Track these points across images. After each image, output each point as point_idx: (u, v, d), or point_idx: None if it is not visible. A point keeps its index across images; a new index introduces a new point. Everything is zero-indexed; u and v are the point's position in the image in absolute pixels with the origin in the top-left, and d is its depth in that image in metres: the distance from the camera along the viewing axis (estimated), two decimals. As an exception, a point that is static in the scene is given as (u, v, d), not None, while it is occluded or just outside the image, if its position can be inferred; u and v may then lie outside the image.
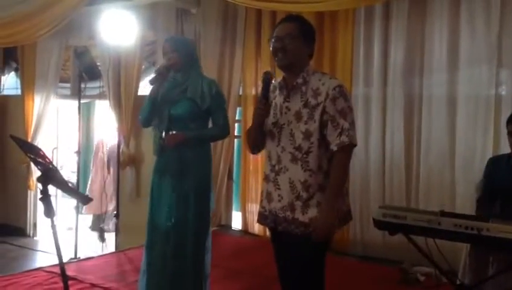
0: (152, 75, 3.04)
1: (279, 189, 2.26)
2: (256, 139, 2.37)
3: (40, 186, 2.41)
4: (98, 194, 6.09)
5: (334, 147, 2.17)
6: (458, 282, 2.93)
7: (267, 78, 2.29)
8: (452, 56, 4.01)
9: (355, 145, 2.21)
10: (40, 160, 2.51)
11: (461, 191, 3.91)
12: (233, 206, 5.51)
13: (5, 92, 7.12)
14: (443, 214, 2.60)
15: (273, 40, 2.28)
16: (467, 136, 3.95)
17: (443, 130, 4.05)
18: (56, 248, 2.42)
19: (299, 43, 2.25)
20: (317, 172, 2.20)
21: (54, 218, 2.40)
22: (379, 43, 4.30)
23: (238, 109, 5.20)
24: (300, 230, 2.20)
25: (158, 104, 2.97)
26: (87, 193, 6.98)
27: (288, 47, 2.24)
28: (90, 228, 7.16)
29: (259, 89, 4.92)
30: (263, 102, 2.26)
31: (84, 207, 6.90)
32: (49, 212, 2.38)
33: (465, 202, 3.78)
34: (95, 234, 6.59)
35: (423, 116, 4.15)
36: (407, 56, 4.20)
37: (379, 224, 2.74)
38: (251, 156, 5.00)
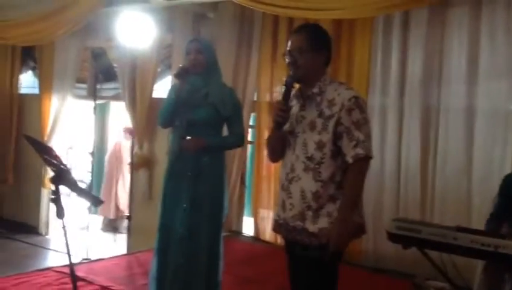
0: (176, 70, 2.99)
1: (291, 198, 2.24)
2: (275, 147, 2.36)
3: (52, 186, 2.42)
4: (112, 196, 6.13)
5: (349, 159, 2.14)
6: (472, 299, 2.87)
7: (290, 83, 2.27)
8: (471, 67, 3.94)
9: (371, 158, 2.17)
10: (52, 160, 2.52)
11: (478, 205, 3.83)
12: (245, 212, 5.49)
13: (23, 91, 7.18)
14: (459, 229, 2.53)
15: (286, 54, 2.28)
16: (485, 149, 3.87)
17: (460, 143, 3.97)
18: (66, 249, 2.43)
19: (310, 56, 2.24)
20: (329, 183, 2.17)
21: (65, 219, 2.41)
22: (397, 53, 4.25)
23: (252, 115, 5.17)
24: (309, 240, 2.18)
25: (179, 105, 2.94)
26: (100, 194, 7.03)
27: (299, 61, 2.24)
28: (101, 229, 7.20)
29: (275, 95, 4.95)
30: (282, 105, 2.23)
31: (98, 209, 6.96)
32: (61, 213, 2.39)
33: (482, 216, 3.67)
34: (107, 235, 6.63)
35: (440, 127, 4.08)
36: (425, 66, 4.14)
37: (393, 237, 2.69)
38: (264, 161, 4.97)
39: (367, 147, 2.14)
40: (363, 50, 4.40)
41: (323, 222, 2.16)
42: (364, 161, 2.15)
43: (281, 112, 2.23)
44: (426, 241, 2.56)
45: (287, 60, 2.28)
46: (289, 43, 2.30)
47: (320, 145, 2.18)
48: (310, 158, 2.19)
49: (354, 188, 2.16)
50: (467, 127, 3.96)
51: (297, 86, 2.35)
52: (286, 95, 2.26)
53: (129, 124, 5.89)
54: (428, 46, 4.13)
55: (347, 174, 2.16)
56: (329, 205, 2.16)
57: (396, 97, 4.26)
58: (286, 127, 2.31)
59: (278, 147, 2.34)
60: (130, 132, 7.34)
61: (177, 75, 2.91)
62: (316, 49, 2.24)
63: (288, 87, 2.27)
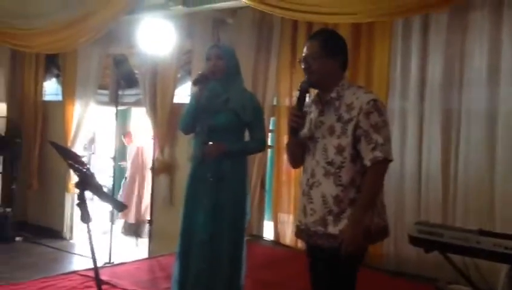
0: (195, 77, 3.02)
1: (312, 203, 2.26)
2: (294, 154, 2.38)
3: (77, 191, 2.47)
4: (134, 200, 6.20)
5: (367, 162, 2.14)
6: (496, 303, 2.84)
7: (304, 89, 2.29)
8: (492, 70, 3.90)
9: (390, 161, 2.17)
10: (77, 166, 2.56)
11: (500, 208, 3.79)
12: (265, 216, 5.50)
13: (47, 98, 7.33)
14: (482, 232, 2.53)
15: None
16: (507, 152, 3.82)
17: (482, 146, 3.93)
18: (91, 253, 2.47)
19: (323, 61, 2.25)
20: (349, 187, 2.18)
21: (90, 223, 2.45)
22: (416, 56, 4.23)
23: (271, 119, 5.20)
24: (329, 243, 2.19)
25: (200, 111, 2.97)
26: (121, 199, 7.13)
27: (312, 67, 2.27)
28: (122, 233, 7.29)
29: (293, 99, 4.96)
30: (297, 110, 2.25)
31: (119, 213, 7.05)
32: (86, 217, 2.43)
33: (505, 219, 3.66)
34: (129, 239, 6.71)
35: (461, 131, 4.04)
36: (445, 70, 4.11)
37: (414, 241, 2.69)
38: (284, 166, 4.99)
39: (385, 150, 2.14)
40: (383, 54, 4.39)
41: (343, 224, 2.17)
42: (382, 163, 2.15)
43: (295, 117, 2.25)
44: (448, 245, 2.56)
45: (302, 66, 2.31)
46: (304, 49, 2.32)
47: (340, 150, 2.19)
48: (330, 163, 2.20)
49: (370, 190, 2.16)
50: (489, 130, 3.92)
51: (314, 91, 2.37)
52: (301, 101, 2.28)
53: (150, 129, 5.96)
54: (449, 49, 4.10)
55: (365, 177, 2.16)
56: (350, 209, 2.17)
57: (416, 101, 4.23)
58: (305, 132, 2.32)
59: (297, 153, 2.36)
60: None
61: (196, 82, 2.95)
62: (329, 55, 2.26)
63: (303, 92, 2.29)
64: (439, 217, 4.04)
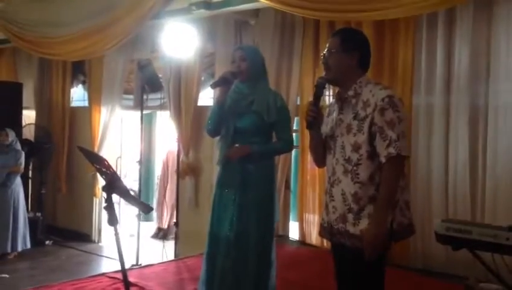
0: (223, 74, 3.00)
1: (333, 201, 2.26)
2: (316, 152, 2.38)
3: (104, 195, 2.51)
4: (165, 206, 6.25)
5: (382, 159, 2.13)
6: (528, 301, 2.77)
7: (321, 84, 2.30)
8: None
9: (405, 157, 2.15)
10: (104, 170, 2.61)
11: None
12: (291, 216, 5.50)
13: (74, 104, 7.47)
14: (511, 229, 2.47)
15: None
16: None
17: (510, 141, 3.85)
18: (119, 255, 2.50)
19: (340, 58, 2.25)
20: (368, 184, 2.16)
21: (117, 226, 2.49)
22: (442, 49, 4.17)
23: (295, 119, 5.19)
24: (351, 242, 2.18)
25: (225, 114, 2.97)
26: (153, 203, 7.20)
27: (329, 63, 2.27)
28: (152, 237, 7.36)
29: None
30: (313, 105, 2.27)
31: (152, 217, 7.12)
32: (113, 220, 2.46)
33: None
34: (156, 242, 6.78)
35: (489, 125, 3.96)
36: (472, 62, 4.04)
37: (442, 238, 2.64)
38: (308, 166, 4.97)
39: (400, 146, 2.11)
40: (407, 49, 4.34)
41: (364, 223, 2.16)
42: (397, 160, 2.12)
43: (311, 111, 2.26)
44: (477, 242, 2.51)
45: (321, 62, 2.33)
46: (327, 45, 2.34)
47: (356, 147, 2.18)
48: (347, 160, 2.20)
49: (388, 188, 2.13)
50: (517, 124, 3.84)
51: (335, 89, 2.36)
52: (317, 96, 2.29)
53: (174, 133, 6.01)
54: (475, 43, 4.03)
55: (382, 175, 2.15)
56: (369, 207, 2.15)
57: (442, 95, 4.18)
58: (327, 131, 2.33)
59: (319, 151, 2.37)
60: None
61: (215, 84, 2.96)
62: (345, 50, 2.25)
63: (319, 88, 2.29)
64: (467, 214, 3.98)
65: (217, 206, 3.04)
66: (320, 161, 2.41)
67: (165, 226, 7.33)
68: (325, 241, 4.43)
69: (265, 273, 2.97)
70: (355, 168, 2.18)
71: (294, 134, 5.26)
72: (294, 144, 5.31)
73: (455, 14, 4.13)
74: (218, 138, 3.12)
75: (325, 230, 2.33)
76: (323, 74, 2.35)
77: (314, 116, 2.26)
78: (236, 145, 2.94)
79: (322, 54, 2.32)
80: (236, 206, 2.94)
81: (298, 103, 5.10)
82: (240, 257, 2.91)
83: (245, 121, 2.94)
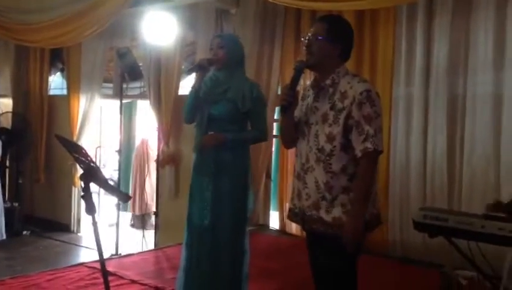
0: (198, 62, 3.01)
1: (307, 187, 2.26)
2: (286, 133, 2.38)
3: (82, 183, 2.48)
4: (139, 193, 6.23)
5: (358, 153, 2.14)
6: (502, 288, 2.83)
7: (299, 68, 2.28)
8: (498, 54, 3.87)
9: (380, 152, 2.16)
10: (82, 158, 2.57)
11: (506, 195, 3.76)
12: (271, 206, 5.51)
13: (52, 92, 7.35)
14: (487, 217, 2.52)
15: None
16: (513, 136, 3.81)
17: (487, 131, 3.91)
18: (97, 244, 2.48)
19: (325, 44, 2.23)
20: (340, 175, 2.18)
21: (95, 215, 2.46)
22: (421, 41, 4.20)
23: (276, 109, 5.19)
24: (324, 228, 2.20)
25: (200, 101, 2.97)
26: (130, 192, 7.16)
27: (313, 47, 2.24)
28: (131, 226, 7.33)
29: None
30: (289, 89, 2.24)
31: (127, 206, 7.09)
32: (91, 209, 2.43)
33: (511, 205, 3.64)
34: (136, 231, 6.75)
35: (467, 116, 4.02)
36: (450, 54, 4.09)
37: (419, 226, 2.68)
38: (289, 156, 4.98)
39: (376, 142, 2.13)
40: (387, 40, 4.37)
41: (337, 212, 2.18)
42: (373, 154, 2.14)
43: (286, 95, 2.24)
44: (453, 229, 2.55)
45: (304, 46, 2.29)
46: (311, 28, 2.31)
47: (330, 138, 2.18)
48: (320, 150, 2.21)
49: (365, 182, 2.15)
50: (494, 115, 3.90)
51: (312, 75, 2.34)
52: (294, 80, 2.26)
53: (155, 122, 5.97)
54: (454, 34, 4.08)
55: (358, 169, 2.16)
56: (342, 197, 2.18)
57: (421, 87, 4.22)
58: (301, 116, 2.32)
59: (290, 134, 2.36)
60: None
61: (191, 70, 2.94)
62: (331, 40, 2.23)
63: (298, 72, 2.27)
64: (444, 203, 4.04)
65: (193, 193, 3.05)
66: (289, 144, 2.41)
67: (140, 212, 7.30)
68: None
69: (239, 261, 3.00)
70: (327, 158, 2.18)
71: (275, 124, 5.28)
72: (276, 133, 5.38)
73: (435, 5, 4.16)
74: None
75: (297, 215, 2.34)
76: (303, 58, 2.32)
77: (290, 100, 2.24)
78: (211, 132, 2.94)
79: (305, 38, 2.28)
80: (210, 193, 2.95)
81: (279, 92, 5.10)
82: (214, 245, 2.92)
83: (219, 108, 2.94)
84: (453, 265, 3.60)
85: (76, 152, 2.67)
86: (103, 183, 2.66)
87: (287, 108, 2.27)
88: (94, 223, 2.48)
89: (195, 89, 2.96)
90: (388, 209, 4.31)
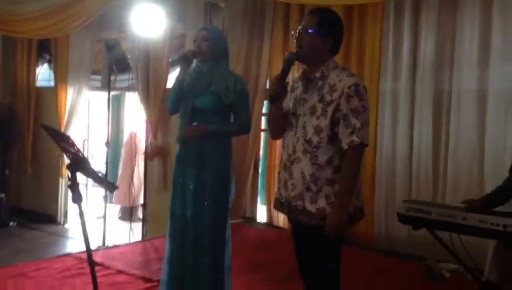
0: (182, 53, 3.03)
1: (292, 178, 2.29)
2: (274, 123, 2.40)
3: (68, 173, 2.48)
4: (127, 185, 6.22)
5: (344, 146, 2.17)
6: (484, 279, 2.89)
7: (289, 60, 2.30)
8: (483, 50, 3.93)
9: (366, 145, 2.20)
10: (69, 148, 2.57)
11: (490, 189, 3.81)
12: (259, 200, 5.54)
13: (39, 84, 7.30)
14: (468, 209, 2.57)
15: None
16: (497, 132, 3.87)
17: (472, 126, 3.97)
18: (83, 234, 2.48)
19: (315, 39, 2.25)
20: (326, 167, 2.21)
21: (82, 204, 2.47)
22: (408, 37, 4.25)
23: (265, 103, 5.21)
24: (308, 219, 2.24)
25: (183, 92, 2.99)
26: (117, 183, 7.12)
27: (303, 40, 2.26)
28: (119, 218, 7.31)
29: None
30: (278, 79, 2.26)
31: (113, 198, 7.07)
32: (77, 198, 2.44)
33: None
34: (123, 223, 6.74)
35: (452, 111, 4.08)
36: (437, 50, 4.13)
37: (403, 218, 2.73)
38: (277, 149, 5.01)
39: (362, 135, 2.16)
40: (374, 35, 4.41)
41: (321, 202, 2.21)
42: (359, 148, 2.18)
43: (276, 86, 2.26)
44: (436, 221, 2.60)
45: (294, 38, 2.31)
46: (302, 21, 2.33)
47: (317, 130, 2.21)
48: (308, 141, 2.24)
49: (350, 175, 2.19)
50: (479, 111, 3.96)
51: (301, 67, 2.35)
52: (284, 71, 2.28)
53: (143, 114, 5.96)
54: (440, 30, 4.12)
55: (343, 162, 2.19)
56: (327, 188, 2.21)
57: (407, 82, 4.27)
58: (289, 107, 2.34)
59: (278, 124, 2.38)
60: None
61: (175, 62, 2.95)
62: (320, 34, 2.26)
63: (288, 63, 2.29)
64: (429, 197, 4.10)
65: (176, 184, 3.07)
66: (277, 134, 2.43)
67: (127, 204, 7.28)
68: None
69: (221, 253, 3.02)
70: (314, 150, 2.21)
71: (263, 117, 5.30)
72: (264, 127, 5.40)
73: (422, 2, 4.21)
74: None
75: (283, 205, 2.38)
76: (294, 50, 2.34)
77: (279, 91, 2.26)
78: (194, 123, 2.96)
79: (296, 31, 2.29)
80: (192, 184, 2.97)
81: (268, 86, 5.11)
82: (196, 237, 2.95)
83: (203, 100, 2.96)
84: (437, 258, 3.66)
85: (63, 141, 2.67)
86: (90, 173, 2.67)
87: (276, 98, 2.29)
88: (81, 213, 2.49)
89: (179, 81, 2.98)
90: (374, 202, 4.37)
